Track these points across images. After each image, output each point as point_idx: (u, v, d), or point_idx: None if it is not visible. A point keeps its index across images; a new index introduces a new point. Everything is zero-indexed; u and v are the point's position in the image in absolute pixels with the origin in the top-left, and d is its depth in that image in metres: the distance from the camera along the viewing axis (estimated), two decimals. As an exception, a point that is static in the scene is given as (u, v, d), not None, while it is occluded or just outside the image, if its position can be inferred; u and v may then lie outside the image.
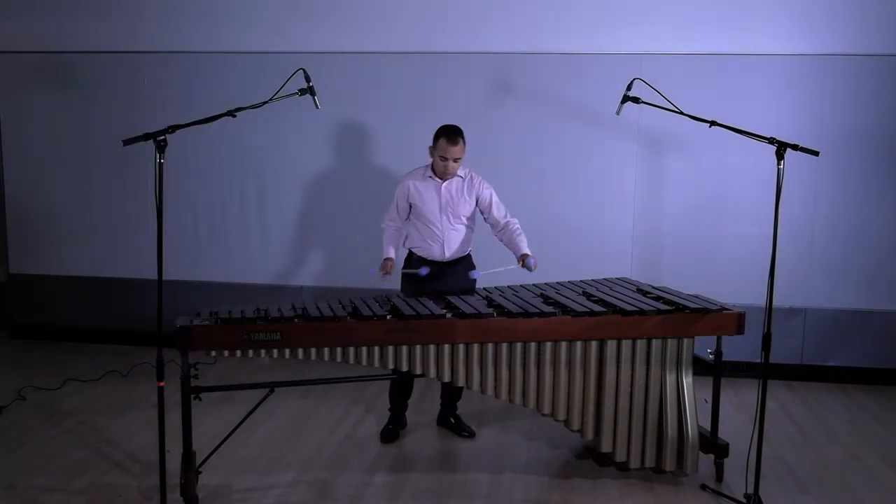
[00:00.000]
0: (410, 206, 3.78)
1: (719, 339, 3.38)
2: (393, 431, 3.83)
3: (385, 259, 3.75)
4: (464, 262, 3.83)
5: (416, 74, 4.95)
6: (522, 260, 3.64)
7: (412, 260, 3.81)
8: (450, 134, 3.63)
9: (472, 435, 3.88)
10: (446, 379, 3.19)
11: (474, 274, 3.70)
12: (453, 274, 3.77)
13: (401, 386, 3.86)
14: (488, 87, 4.91)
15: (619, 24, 4.74)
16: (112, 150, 5.14)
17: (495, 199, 3.80)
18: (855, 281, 4.76)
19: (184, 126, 2.98)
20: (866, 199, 4.71)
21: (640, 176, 4.86)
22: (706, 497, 3.25)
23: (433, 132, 3.66)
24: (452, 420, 3.95)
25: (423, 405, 4.30)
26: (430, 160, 3.76)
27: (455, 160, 3.65)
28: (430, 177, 3.74)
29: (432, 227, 3.73)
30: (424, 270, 3.67)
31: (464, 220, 3.78)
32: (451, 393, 3.95)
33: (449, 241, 3.74)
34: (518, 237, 3.73)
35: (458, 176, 3.75)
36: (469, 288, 3.71)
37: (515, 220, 3.80)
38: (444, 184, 3.73)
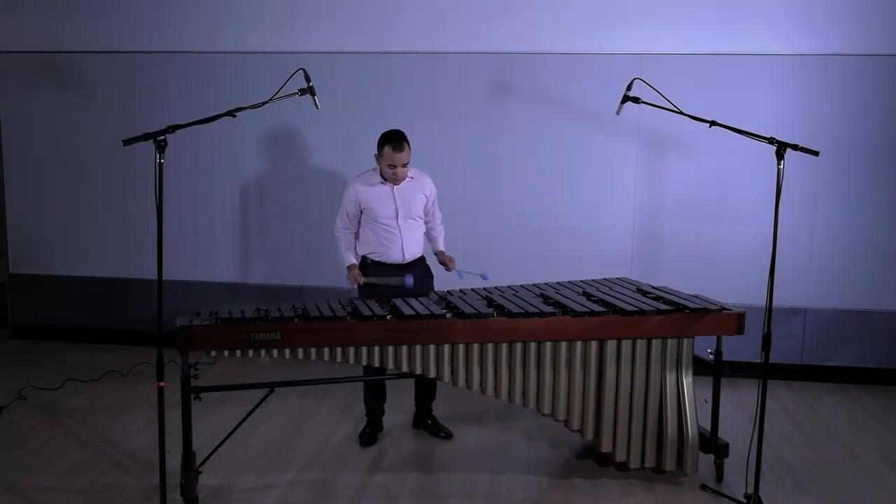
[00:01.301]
0: (361, 212, 3.73)
1: (719, 339, 3.38)
2: (371, 435, 3.80)
3: (349, 267, 3.72)
4: (420, 264, 3.82)
5: (416, 74, 4.95)
6: (445, 259, 3.82)
7: (367, 266, 3.76)
8: (394, 141, 3.58)
9: (449, 436, 3.86)
10: (446, 379, 3.19)
11: (408, 280, 3.58)
12: (411, 274, 3.70)
13: (376, 389, 3.83)
14: (488, 87, 4.91)
15: (619, 24, 4.74)
16: (112, 150, 5.14)
17: (434, 196, 3.85)
18: (855, 281, 4.76)
19: (184, 126, 2.98)
20: (866, 200, 4.71)
21: (640, 176, 4.86)
22: (706, 497, 3.25)
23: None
24: (429, 421, 3.93)
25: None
26: (375, 165, 3.72)
27: (403, 166, 3.62)
28: (381, 182, 3.70)
29: (390, 231, 3.70)
30: (409, 280, 3.57)
31: (418, 219, 3.77)
32: (424, 394, 3.93)
33: (407, 243, 3.73)
34: (439, 233, 3.93)
35: (409, 177, 3.72)
36: (426, 290, 3.69)
37: (440, 220, 3.94)
38: (397, 186, 3.70)
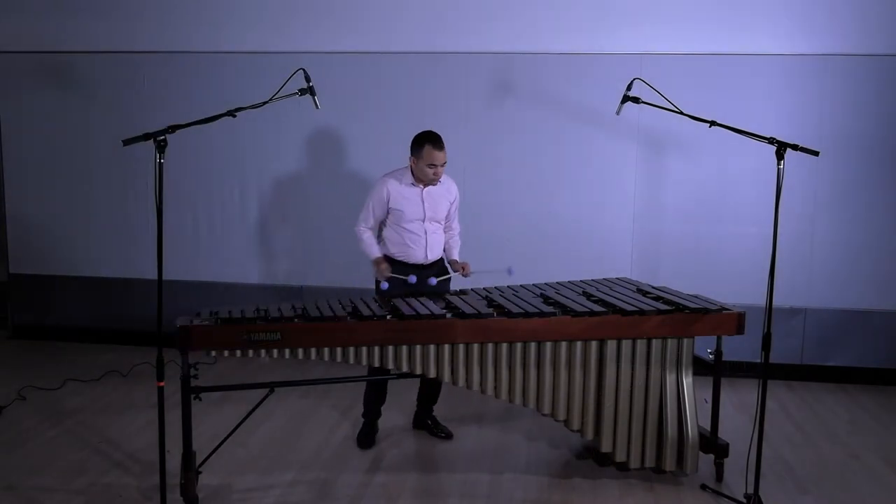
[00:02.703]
0: (388, 212, 3.71)
1: (719, 339, 3.38)
2: (369, 437, 3.79)
3: (376, 260, 3.68)
4: (439, 264, 3.83)
5: (416, 74, 4.95)
6: (460, 267, 3.76)
7: (391, 265, 3.73)
8: (435, 140, 3.59)
9: (449, 436, 3.86)
10: (446, 379, 3.19)
11: (431, 281, 3.63)
12: (428, 276, 3.70)
13: (378, 389, 3.81)
14: (488, 87, 4.91)
15: (619, 24, 4.74)
16: (112, 150, 5.14)
17: (457, 203, 3.86)
18: (855, 281, 4.76)
19: (184, 126, 2.98)
20: (866, 199, 4.71)
21: (640, 176, 4.86)
22: (706, 497, 3.25)
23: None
24: (430, 422, 3.93)
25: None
26: (406, 164, 3.71)
27: (442, 166, 3.63)
28: (412, 183, 3.69)
29: (415, 233, 3.69)
30: (413, 279, 3.58)
31: (443, 222, 3.80)
32: (428, 395, 3.93)
33: (431, 245, 3.73)
34: (455, 244, 3.89)
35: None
36: (444, 289, 3.68)
37: (458, 231, 3.91)
38: (426, 189, 3.70)
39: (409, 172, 3.70)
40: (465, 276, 3.74)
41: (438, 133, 3.63)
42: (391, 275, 3.63)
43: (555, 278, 3.88)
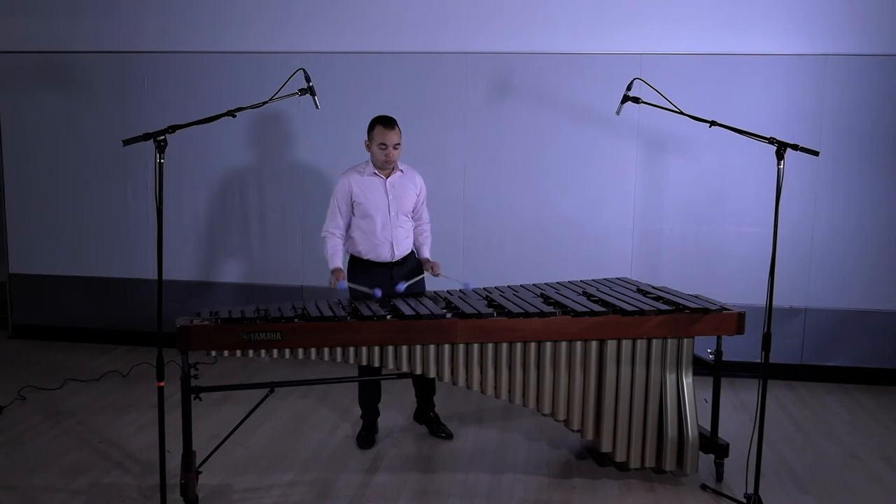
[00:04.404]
0: (353, 207, 3.67)
1: (719, 339, 3.38)
2: (369, 437, 3.78)
3: (334, 270, 3.58)
4: (410, 260, 3.78)
5: (416, 74, 4.95)
6: (430, 266, 3.72)
7: (356, 266, 3.70)
8: (384, 120, 3.59)
9: (449, 436, 3.85)
10: (446, 379, 3.19)
11: (400, 286, 3.51)
12: (401, 273, 3.69)
13: (371, 389, 3.80)
14: (488, 87, 4.91)
15: (619, 24, 4.74)
16: (112, 150, 5.15)
17: (424, 194, 3.81)
18: (855, 281, 4.76)
19: (184, 126, 2.98)
20: (866, 199, 4.71)
21: (640, 176, 4.86)
22: (706, 497, 3.25)
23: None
24: (433, 416, 3.93)
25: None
26: (367, 157, 3.68)
27: (395, 146, 3.58)
28: (374, 173, 3.65)
29: (380, 227, 3.64)
30: (378, 292, 3.43)
31: (409, 215, 3.74)
32: (424, 391, 3.92)
33: (398, 240, 3.68)
34: (426, 239, 3.85)
35: (399, 170, 3.69)
36: (419, 289, 3.65)
37: (428, 223, 3.87)
38: (389, 179, 3.66)
39: (370, 164, 3.67)
40: (434, 275, 3.68)
41: (393, 117, 3.63)
42: (354, 286, 3.53)
43: (555, 278, 3.88)
